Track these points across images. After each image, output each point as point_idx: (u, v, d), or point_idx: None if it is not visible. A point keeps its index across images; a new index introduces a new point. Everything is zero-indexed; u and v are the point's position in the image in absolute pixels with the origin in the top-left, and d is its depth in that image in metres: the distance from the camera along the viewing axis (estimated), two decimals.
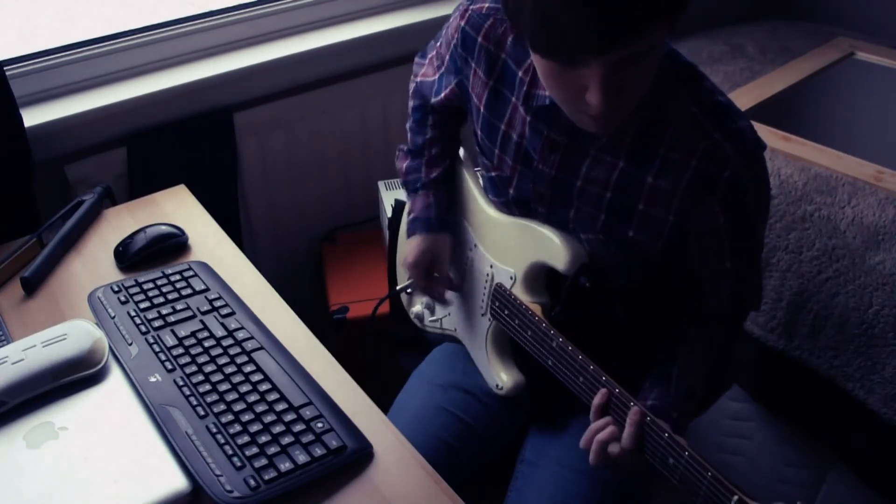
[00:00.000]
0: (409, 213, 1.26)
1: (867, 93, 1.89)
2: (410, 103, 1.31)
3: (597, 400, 0.99)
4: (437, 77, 1.22)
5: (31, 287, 1.20)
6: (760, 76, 1.85)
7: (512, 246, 1.15)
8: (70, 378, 1.01)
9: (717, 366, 1.11)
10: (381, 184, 1.83)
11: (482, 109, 1.13)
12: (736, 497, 0.85)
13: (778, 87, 1.80)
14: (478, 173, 1.26)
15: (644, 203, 1.02)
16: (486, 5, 1.11)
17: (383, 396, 1.16)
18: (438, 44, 1.22)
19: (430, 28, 1.80)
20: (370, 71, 1.86)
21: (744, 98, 1.77)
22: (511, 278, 1.14)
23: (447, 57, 1.18)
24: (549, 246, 1.09)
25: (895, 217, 1.45)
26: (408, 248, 1.23)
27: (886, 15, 2.13)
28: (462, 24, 1.12)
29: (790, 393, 1.58)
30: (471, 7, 1.12)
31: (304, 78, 1.79)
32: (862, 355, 1.41)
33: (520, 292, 1.13)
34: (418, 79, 1.28)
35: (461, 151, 1.30)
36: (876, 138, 1.78)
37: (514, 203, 1.14)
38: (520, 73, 1.07)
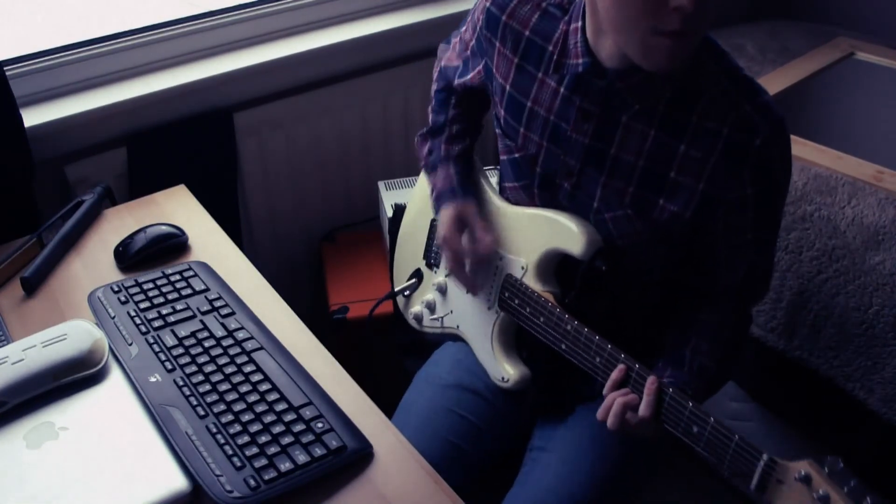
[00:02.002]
0: (431, 194, 1.26)
1: (867, 93, 1.89)
2: (434, 86, 1.33)
3: (615, 375, 1.01)
4: (460, 62, 1.25)
5: (31, 287, 1.20)
6: (760, 76, 1.85)
7: (523, 236, 1.15)
8: (70, 378, 1.01)
9: (729, 346, 1.12)
10: (381, 184, 1.83)
11: (508, 87, 1.14)
12: (766, 456, 0.86)
13: (778, 87, 1.80)
14: (487, 172, 1.26)
15: (676, 171, 1.04)
16: None
17: (383, 396, 1.16)
18: (463, 29, 1.26)
19: (431, 28, 1.81)
20: (370, 71, 1.86)
21: None
22: (522, 268, 1.14)
23: (472, 41, 1.20)
24: (564, 231, 1.09)
25: (895, 217, 1.45)
26: (439, 226, 1.22)
27: (886, 15, 2.13)
28: (487, 4, 1.15)
29: (790, 393, 1.58)
30: None
31: (304, 78, 1.79)
32: (862, 355, 1.41)
33: (531, 282, 1.13)
34: (443, 63, 1.31)
35: None
36: (876, 138, 1.77)
37: (539, 182, 1.15)
38: (549, 48, 1.09)
